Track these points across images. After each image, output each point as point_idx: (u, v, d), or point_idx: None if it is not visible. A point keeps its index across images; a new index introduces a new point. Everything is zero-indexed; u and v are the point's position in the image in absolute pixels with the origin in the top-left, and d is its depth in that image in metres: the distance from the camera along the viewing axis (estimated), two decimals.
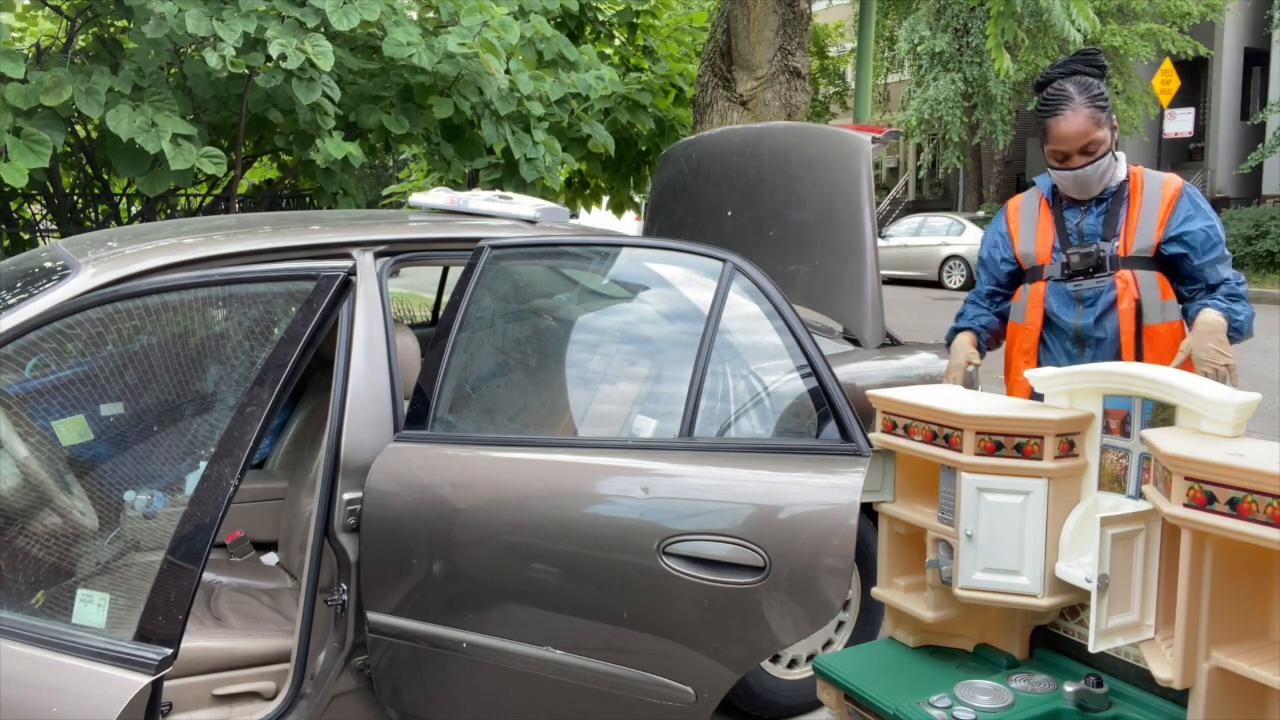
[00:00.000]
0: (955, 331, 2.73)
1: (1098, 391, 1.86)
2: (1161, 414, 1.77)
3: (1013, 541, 1.84)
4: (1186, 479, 1.51)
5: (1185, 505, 1.51)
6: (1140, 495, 1.78)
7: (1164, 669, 1.60)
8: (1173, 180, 2.54)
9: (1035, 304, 2.58)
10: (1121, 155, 2.58)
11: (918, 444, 1.97)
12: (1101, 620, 1.66)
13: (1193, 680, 1.56)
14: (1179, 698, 1.68)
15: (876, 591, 2.10)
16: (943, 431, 1.91)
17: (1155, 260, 2.49)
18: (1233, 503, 1.45)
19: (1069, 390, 1.90)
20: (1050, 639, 2.02)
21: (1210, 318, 2.34)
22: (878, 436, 2.07)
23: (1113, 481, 1.85)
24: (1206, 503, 1.49)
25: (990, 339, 2.75)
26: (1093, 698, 1.80)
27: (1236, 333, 2.40)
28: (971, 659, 2.04)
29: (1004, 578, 1.86)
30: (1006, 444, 1.84)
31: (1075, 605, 1.93)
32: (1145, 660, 1.69)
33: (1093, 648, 1.66)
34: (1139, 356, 2.47)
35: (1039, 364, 2.59)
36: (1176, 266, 2.49)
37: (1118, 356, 2.48)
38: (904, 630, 2.10)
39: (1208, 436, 1.63)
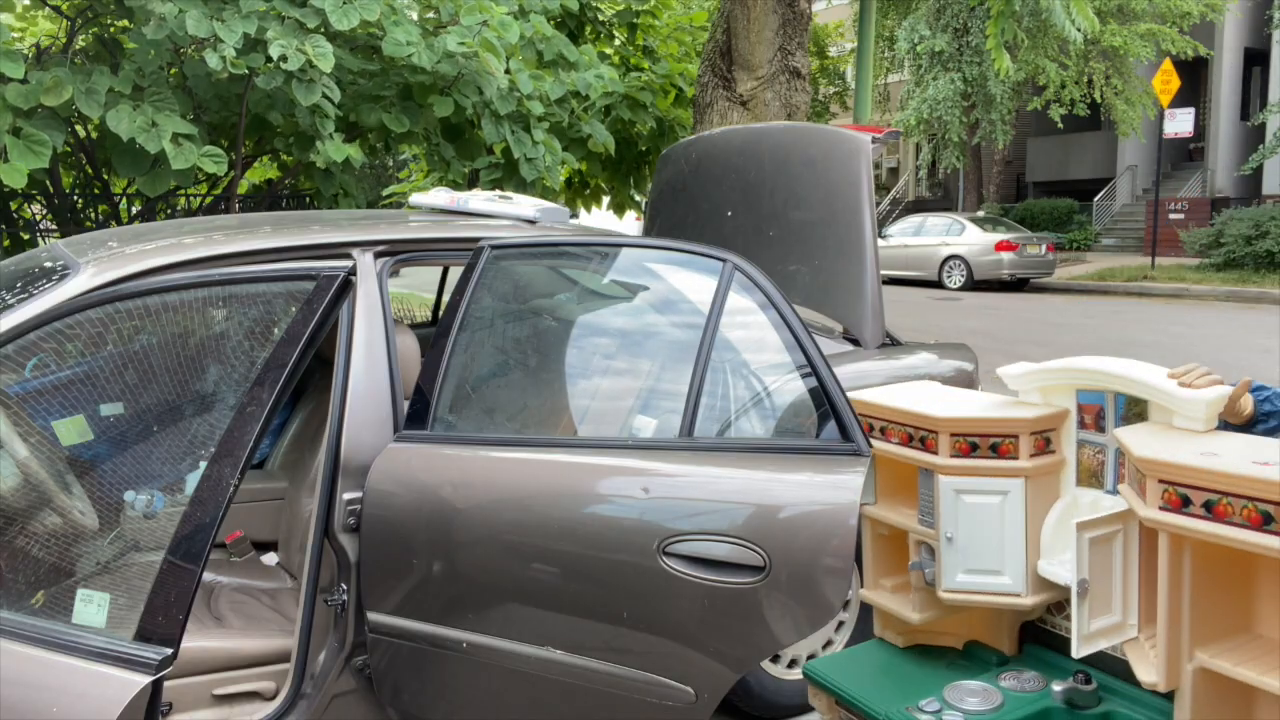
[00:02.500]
0: None
1: (1070, 387, 1.85)
2: (1134, 409, 1.76)
3: (993, 542, 1.83)
4: (1161, 482, 1.50)
5: (1161, 509, 1.50)
6: (1119, 490, 1.77)
7: (1148, 672, 1.59)
8: None
9: None
10: None
11: (894, 446, 1.96)
12: (1084, 624, 1.65)
13: (1177, 682, 1.55)
14: (1167, 692, 1.67)
15: (863, 593, 2.10)
16: (918, 434, 1.91)
17: None
18: (1208, 505, 1.44)
19: (1042, 387, 1.89)
20: (1039, 634, 2.02)
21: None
22: None
23: (1090, 476, 1.84)
24: (1182, 505, 1.47)
25: None
26: (1081, 695, 1.79)
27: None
28: (961, 657, 2.04)
29: (987, 578, 1.85)
30: (982, 444, 1.84)
31: (1061, 600, 1.93)
32: (1131, 662, 1.69)
33: (1076, 653, 1.66)
34: None
35: None
36: None
37: None
38: (892, 631, 2.09)
39: (1180, 433, 1.62)
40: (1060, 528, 1.82)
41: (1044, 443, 1.84)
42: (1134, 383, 1.73)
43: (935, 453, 1.87)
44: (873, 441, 1.99)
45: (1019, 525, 1.82)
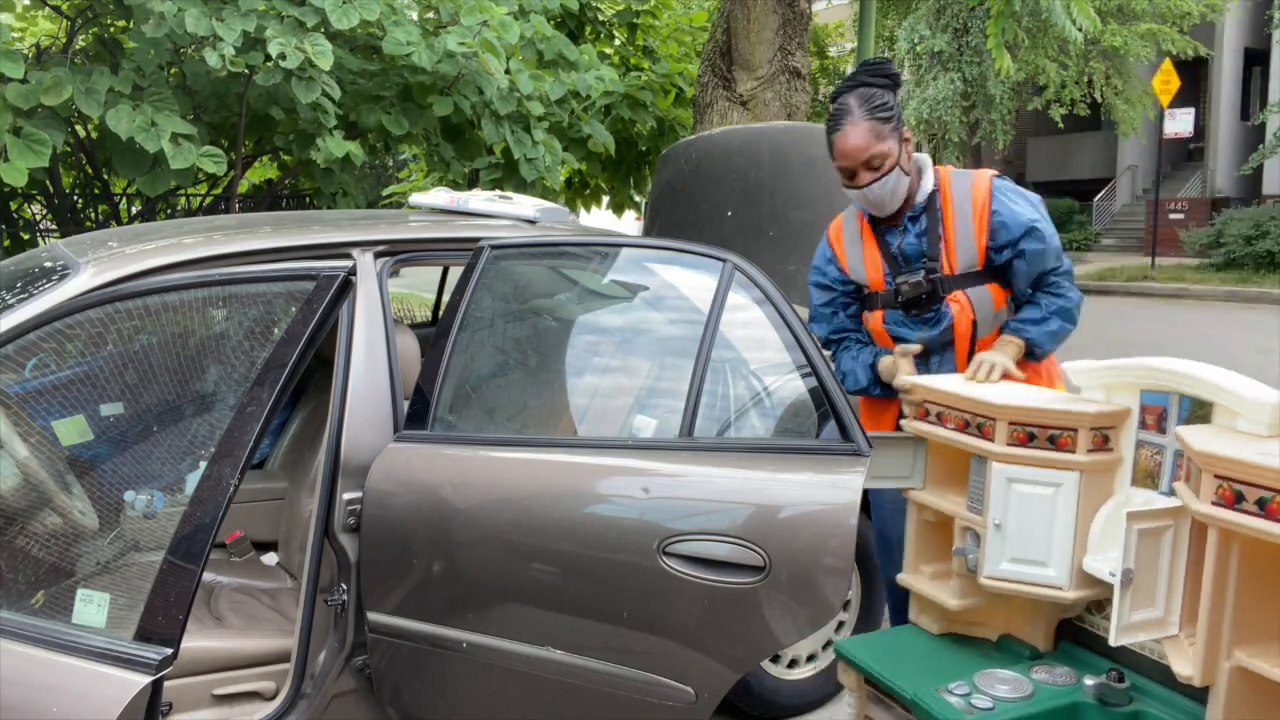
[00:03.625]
0: (870, 367, 2.52)
1: (1135, 386, 1.84)
2: (1199, 411, 1.75)
3: (1041, 533, 1.82)
4: (1216, 477, 1.50)
5: (1213, 503, 1.51)
6: (1173, 492, 1.77)
7: (1185, 666, 1.60)
8: (981, 180, 2.43)
9: (878, 334, 2.53)
10: (926, 162, 2.47)
11: (950, 432, 1.95)
12: (1124, 615, 1.65)
13: (1213, 678, 1.55)
14: (1200, 695, 1.66)
15: (902, 578, 2.09)
16: (976, 420, 1.90)
17: (985, 272, 2.41)
18: (1261, 502, 1.44)
19: (1106, 384, 1.87)
20: (1075, 632, 2.01)
21: (1003, 342, 2.35)
22: (910, 423, 2.05)
23: (1146, 477, 1.83)
24: (1235, 501, 1.48)
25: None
26: (1113, 692, 1.78)
27: (1037, 346, 2.36)
28: (995, 649, 2.03)
29: (1031, 569, 1.84)
30: (1040, 435, 1.83)
31: (1101, 599, 1.92)
32: (1168, 656, 1.69)
33: (1113, 641, 1.66)
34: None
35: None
36: (1008, 266, 2.41)
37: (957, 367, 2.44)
38: (928, 617, 2.08)
39: (1242, 435, 1.61)
40: (1110, 525, 1.81)
41: (1103, 439, 1.83)
42: (1201, 383, 1.72)
43: (991, 440, 1.88)
44: (928, 426, 2.00)
45: (1069, 519, 1.82)
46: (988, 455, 1.88)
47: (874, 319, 2.52)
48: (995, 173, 2.46)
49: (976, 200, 2.40)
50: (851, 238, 2.54)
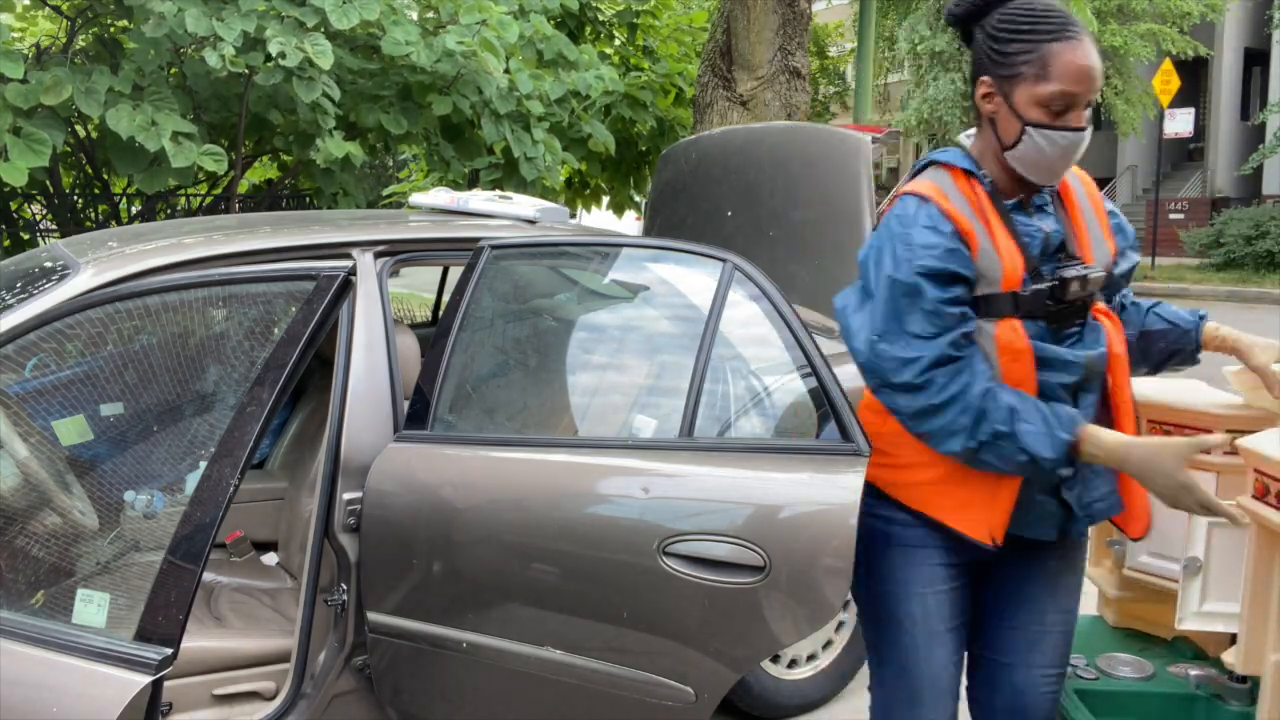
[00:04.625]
0: (1065, 443, 1.63)
1: None
2: None
3: (1180, 531, 1.79)
4: (1254, 471, 1.54)
5: (1252, 496, 1.54)
6: None
7: (1230, 654, 1.62)
8: (1086, 175, 1.95)
9: (1013, 353, 1.70)
10: None
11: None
12: (1191, 600, 1.66)
13: (1259, 670, 1.55)
14: None
15: (1089, 570, 2.11)
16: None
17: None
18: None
19: (1257, 386, 1.81)
20: None
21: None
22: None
23: None
24: (1264, 494, 1.49)
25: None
26: (1231, 691, 1.74)
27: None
28: (1165, 647, 2.00)
29: (1169, 564, 1.83)
30: (1174, 434, 1.81)
31: None
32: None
33: (1178, 624, 1.67)
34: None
35: None
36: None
37: (1106, 399, 1.78)
38: (1109, 610, 2.09)
39: None
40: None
41: None
42: None
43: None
44: None
45: (1204, 518, 1.75)
46: None
47: (1008, 332, 1.70)
48: None
49: (1093, 195, 1.89)
50: (969, 213, 1.72)
